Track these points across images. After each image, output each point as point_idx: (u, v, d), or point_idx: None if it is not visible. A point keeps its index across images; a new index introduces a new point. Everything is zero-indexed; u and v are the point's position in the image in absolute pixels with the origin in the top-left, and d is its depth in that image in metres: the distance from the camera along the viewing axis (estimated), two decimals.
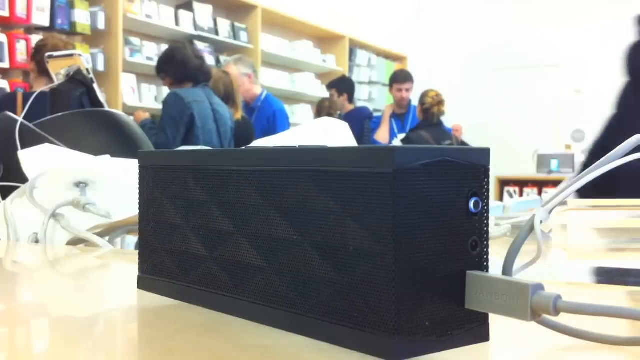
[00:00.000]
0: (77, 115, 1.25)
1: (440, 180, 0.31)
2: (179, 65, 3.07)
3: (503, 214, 1.42)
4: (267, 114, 3.79)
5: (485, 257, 0.33)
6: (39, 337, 0.41)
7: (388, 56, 7.79)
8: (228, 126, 3.14)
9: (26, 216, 0.81)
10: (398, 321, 0.30)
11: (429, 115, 4.34)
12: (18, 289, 0.58)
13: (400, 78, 4.93)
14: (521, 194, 6.21)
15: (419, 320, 0.30)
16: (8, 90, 3.76)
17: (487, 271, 0.32)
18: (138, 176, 0.47)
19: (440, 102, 4.37)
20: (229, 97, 3.34)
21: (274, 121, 3.75)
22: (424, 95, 4.41)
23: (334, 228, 0.32)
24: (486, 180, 0.33)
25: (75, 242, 0.80)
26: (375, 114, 5.45)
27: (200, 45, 5.16)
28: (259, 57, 5.73)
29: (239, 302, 0.39)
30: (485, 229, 0.33)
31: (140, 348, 0.37)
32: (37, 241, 0.79)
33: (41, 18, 4.00)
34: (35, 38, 3.98)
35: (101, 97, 1.37)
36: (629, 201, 1.00)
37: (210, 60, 5.15)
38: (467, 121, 7.46)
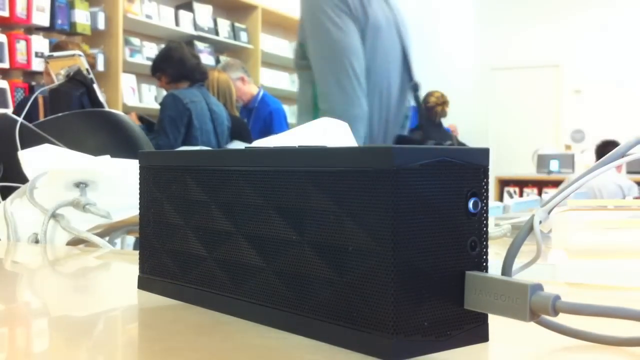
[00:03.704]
0: (77, 115, 1.25)
1: (440, 180, 0.31)
2: (176, 64, 3.07)
3: (503, 214, 1.42)
4: (263, 115, 3.78)
5: (484, 257, 0.33)
6: (39, 337, 0.41)
7: None
8: (225, 126, 3.14)
9: (26, 216, 0.81)
10: (397, 321, 0.30)
11: (432, 114, 4.34)
12: (18, 289, 0.58)
13: None
14: (521, 194, 6.21)
15: (417, 321, 0.30)
16: (8, 90, 3.76)
17: (486, 271, 0.33)
18: (138, 176, 0.47)
19: (444, 103, 4.38)
20: (224, 97, 3.34)
21: (271, 121, 3.74)
22: (428, 95, 4.42)
23: (333, 228, 0.32)
24: (485, 180, 0.33)
25: (75, 242, 0.80)
26: None
27: (200, 46, 5.16)
28: (259, 57, 5.73)
29: (238, 302, 0.39)
30: (485, 229, 0.33)
31: (140, 348, 0.37)
32: (37, 241, 0.79)
33: (41, 18, 4.00)
34: (35, 38, 3.98)
35: (101, 97, 1.37)
36: (629, 201, 1.00)
37: (210, 60, 5.15)
38: (467, 121, 7.47)
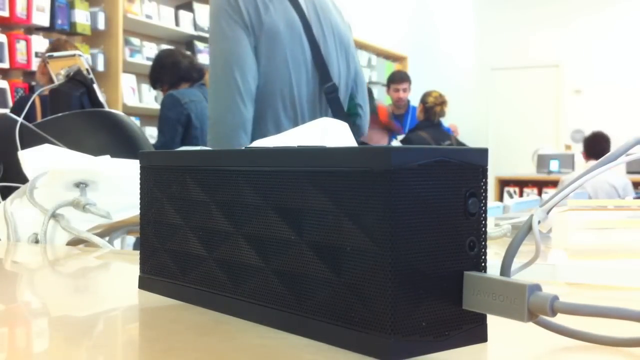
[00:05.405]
0: (77, 115, 1.26)
1: (438, 180, 0.31)
2: (170, 69, 3.09)
3: (503, 214, 1.42)
4: None
5: (483, 257, 0.33)
6: (39, 337, 0.41)
7: (388, 56, 7.79)
8: None
9: (26, 216, 0.81)
10: (395, 322, 0.30)
11: (431, 114, 4.33)
12: (18, 289, 0.58)
13: (397, 78, 4.97)
14: (521, 194, 6.21)
15: (415, 321, 0.30)
16: (8, 90, 3.76)
17: (485, 271, 0.33)
18: (139, 176, 0.47)
19: (443, 102, 4.37)
20: None
21: None
22: (426, 95, 4.41)
23: (332, 228, 0.33)
24: (484, 180, 0.33)
25: (75, 242, 0.80)
26: None
27: (200, 46, 5.17)
28: None
29: (237, 302, 0.39)
30: (483, 229, 0.33)
31: (140, 348, 0.37)
32: (37, 241, 0.79)
33: (41, 18, 4.00)
34: (35, 38, 3.98)
35: (101, 97, 1.37)
36: (629, 201, 1.00)
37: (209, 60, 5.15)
38: (467, 121, 7.47)
